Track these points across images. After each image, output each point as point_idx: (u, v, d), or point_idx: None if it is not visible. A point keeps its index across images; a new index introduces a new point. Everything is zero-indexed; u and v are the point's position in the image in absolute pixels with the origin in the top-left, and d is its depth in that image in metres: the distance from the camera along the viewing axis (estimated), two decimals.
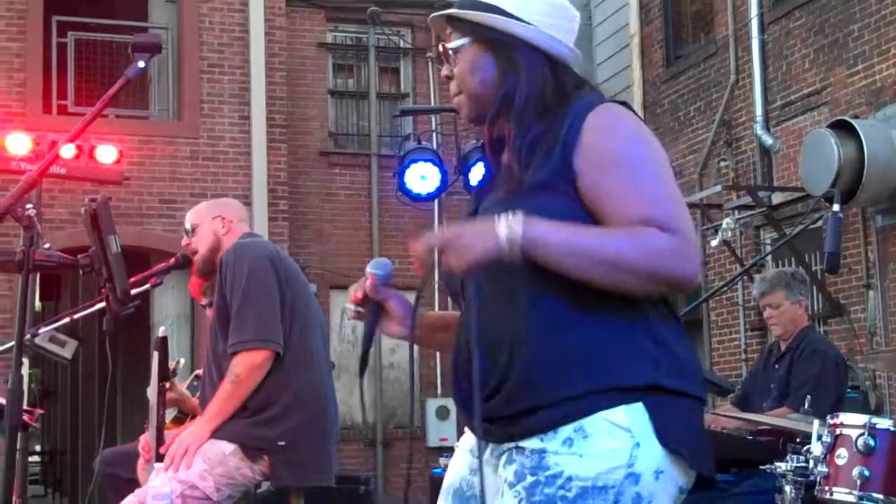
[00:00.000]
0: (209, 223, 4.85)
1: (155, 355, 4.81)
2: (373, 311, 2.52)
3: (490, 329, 2.30)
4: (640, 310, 2.26)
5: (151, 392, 4.82)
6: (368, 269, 2.52)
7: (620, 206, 2.23)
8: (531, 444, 2.25)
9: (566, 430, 2.22)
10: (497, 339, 2.30)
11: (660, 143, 2.36)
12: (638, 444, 2.20)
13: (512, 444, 2.29)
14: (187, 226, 4.90)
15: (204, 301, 5.74)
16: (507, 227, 2.17)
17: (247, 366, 4.46)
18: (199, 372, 5.76)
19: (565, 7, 2.45)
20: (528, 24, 2.39)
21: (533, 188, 2.30)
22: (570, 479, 2.20)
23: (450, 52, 2.46)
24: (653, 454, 2.21)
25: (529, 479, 2.24)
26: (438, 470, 7.92)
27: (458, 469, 2.50)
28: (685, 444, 2.24)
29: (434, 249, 2.24)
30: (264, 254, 4.64)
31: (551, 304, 2.26)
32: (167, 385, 5.04)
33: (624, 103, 2.40)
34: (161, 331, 4.89)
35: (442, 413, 14.34)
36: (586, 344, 2.24)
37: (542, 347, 2.26)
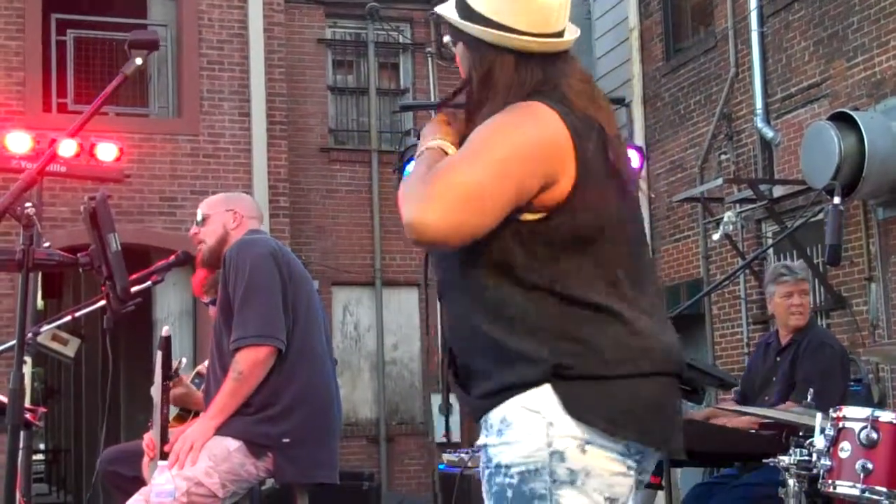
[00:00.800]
0: (221, 215, 4.85)
1: (158, 354, 4.81)
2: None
3: (449, 338, 2.52)
4: (547, 305, 2.33)
5: (155, 391, 4.82)
6: None
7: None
8: (481, 440, 2.41)
9: (496, 423, 2.35)
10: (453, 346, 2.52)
11: (538, 137, 2.33)
12: (551, 423, 2.29)
13: (477, 443, 2.47)
14: (199, 216, 4.89)
15: (206, 299, 5.73)
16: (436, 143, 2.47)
17: (249, 362, 4.46)
18: (201, 369, 5.75)
19: None
20: (487, 19, 2.42)
21: None
22: (508, 466, 2.32)
23: (450, 45, 2.57)
24: (568, 430, 2.29)
25: (486, 472, 2.39)
26: (443, 466, 7.92)
27: None
28: (599, 414, 2.29)
29: None
30: (267, 250, 4.64)
31: (466, 310, 2.40)
32: (171, 383, 5.03)
33: (544, 101, 2.39)
34: (165, 330, 4.89)
35: (445, 409, 14.33)
36: (495, 345, 2.35)
37: (463, 352, 2.45)
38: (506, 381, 2.33)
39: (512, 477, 2.31)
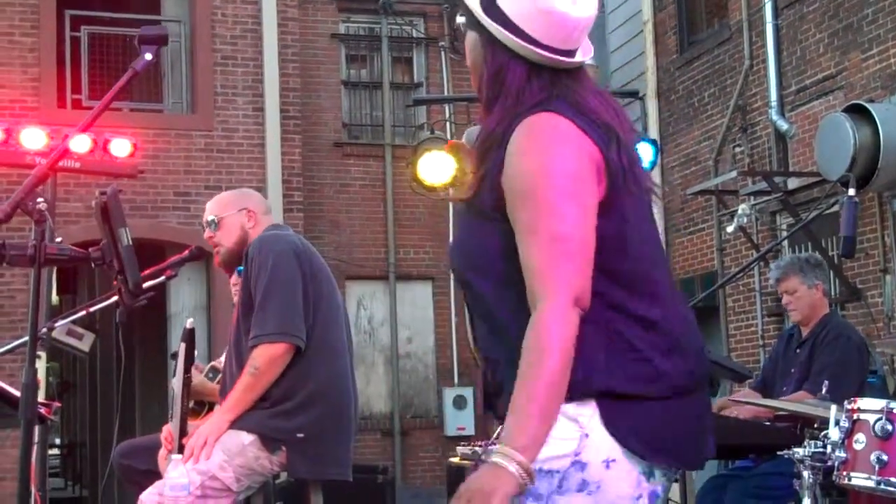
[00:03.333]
0: (235, 216, 4.83)
1: (182, 346, 4.81)
2: None
3: (479, 344, 2.52)
4: (601, 319, 2.31)
5: (176, 383, 4.82)
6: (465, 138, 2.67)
7: (521, 251, 2.30)
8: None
9: None
10: (483, 353, 2.51)
11: (576, 152, 2.32)
12: (587, 435, 2.29)
13: None
14: (210, 218, 4.86)
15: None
16: (513, 464, 2.18)
17: (267, 358, 4.47)
18: (216, 363, 5.76)
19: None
20: (508, 20, 2.39)
21: (475, 214, 2.42)
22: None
23: (461, 28, 2.53)
24: (602, 445, 2.29)
25: None
26: (456, 459, 7.91)
27: None
28: (637, 438, 2.29)
29: None
30: (289, 247, 4.64)
31: (508, 320, 2.36)
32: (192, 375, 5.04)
33: (555, 110, 2.37)
34: (189, 322, 4.89)
35: (459, 402, 14.35)
36: None
37: (509, 365, 2.34)
38: None
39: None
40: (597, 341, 2.30)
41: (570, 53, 2.42)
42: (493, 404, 2.47)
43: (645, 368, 2.32)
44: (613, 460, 2.29)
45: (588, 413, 2.29)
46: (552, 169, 2.29)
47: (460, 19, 2.51)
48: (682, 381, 2.35)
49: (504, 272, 2.34)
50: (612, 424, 2.29)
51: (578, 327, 2.24)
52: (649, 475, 2.34)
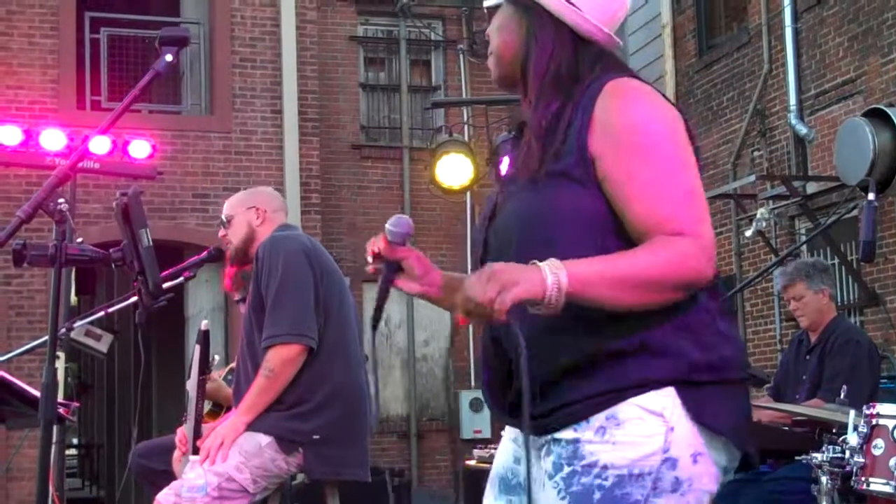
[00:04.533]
0: (244, 214, 4.86)
1: (196, 349, 4.82)
2: (388, 268, 2.46)
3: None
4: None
5: (191, 385, 4.83)
6: (386, 227, 2.46)
7: (639, 205, 2.20)
8: (566, 434, 2.24)
9: (598, 419, 2.20)
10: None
11: (676, 115, 2.29)
12: (672, 429, 2.19)
13: (549, 436, 2.28)
14: (223, 217, 4.91)
15: (237, 296, 5.75)
16: (553, 275, 2.10)
17: (280, 360, 4.47)
18: (234, 365, 5.78)
19: None
20: None
21: (549, 177, 2.28)
22: (605, 467, 2.18)
23: (487, 10, 2.48)
24: (688, 437, 2.20)
25: (566, 469, 2.22)
26: (472, 462, 7.92)
27: (503, 458, 2.50)
28: (723, 423, 2.22)
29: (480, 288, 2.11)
30: (300, 247, 4.64)
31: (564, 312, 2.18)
32: (207, 377, 5.05)
33: (638, 78, 2.35)
34: (203, 324, 4.90)
35: (475, 405, 14.35)
36: (609, 346, 2.21)
37: (565, 351, 2.24)
38: (618, 382, 2.20)
39: (606, 479, 2.18)
40: (665, 335, 2.21)
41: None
42: (501, 397, 2.37)
43: (718, 354, 2.24)
44: (700, 454, 2.20)
45: (670, 404, 2.19)
46: (669, 124, 2.25)
47: (493, 0, 2.46)
48: (742, 368, 2.30)
49: (585, 239, 2.23)
50: (700, 413, 2.20)
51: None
52: (726, 470, 2.27)
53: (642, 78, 2.37)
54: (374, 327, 2.51)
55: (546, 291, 2.10)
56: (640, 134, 2.22)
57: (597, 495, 2.18)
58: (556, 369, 2.25)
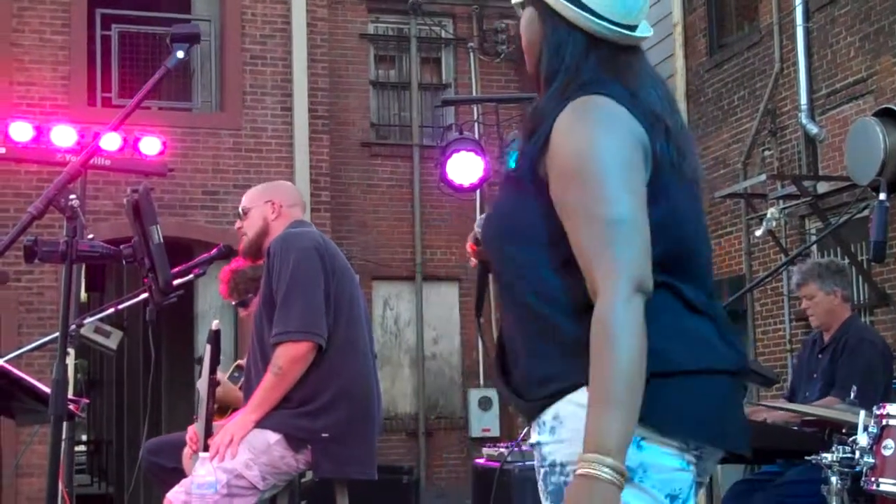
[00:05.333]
0: (260, 208, 4.86)
1: (207, 348, 4.83)
2: (481, 268, 2.65)
3: (504, 335, 2.48)
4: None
5: (202, 383, 4.83)
6: (475, 227, 2.63)
7: (573, 241, 2.24)
8: (534, 437, 2.34)
9: (548, 420, 2.29)
10: (507, 344, 2.47)
11: (626, 136, 2.28)
12: None
13: (530, 441, 2.40)
14: (240, 208, 4.92)
15: (233, 301, 5.76)
16: (605, 471, 2.08)
17: (289, 357, 4.47)
18: (241, 362, 5.78)
19: None
20: None
21: (514, 180, 2.39)
22: (563, 465, 2.26)
23: (518, 7, 2.50)
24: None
25: (541, 471, 2.32)
26: (481, 461, 7.92)
27: None
28: (652, 412, 2.19)
29: None
30: (311, 244, 4.64)
31: (524, 309, 2.33)
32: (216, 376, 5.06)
33: (606, 93, 2.34)
34: (214, 324, 4.90)
35: (484, 404, 14.35)
36: (550, 341, 2.30)
37: (523, 352, 2.36)
38: (560, 384, 2.27)
39: (568, 476, 2.21)
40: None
41: (631, 28, 2.42)
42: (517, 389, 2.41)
43: (658, 348, 2.22)
44: (643, 438, 2.21)
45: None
46: (603, 151, 2.25)
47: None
48: (727, 365, 2.30)
49: (547, 244, 2.29)
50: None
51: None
52: (684, 448, 2.26)
53: (629, 83, 2.37)
54: (478, 316, 2.91)
55: (620, 488, 2.10)
56: (577, 160, 2.25)
57: (565, 492, 2.19)
58: (524, 377, 2.38)
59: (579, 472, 2.10)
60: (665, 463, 2.24)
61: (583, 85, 2.34)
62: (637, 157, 2.27)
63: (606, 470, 2.08)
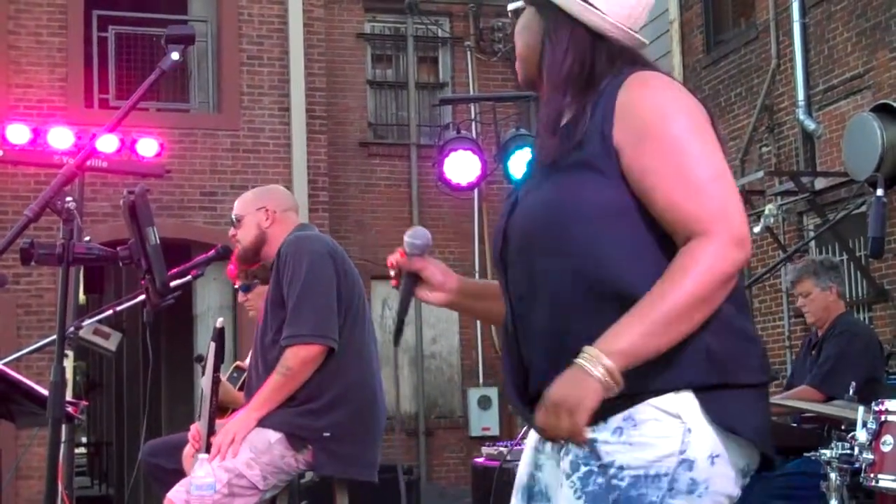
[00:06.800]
0: (252, 215, 4.86)
1: (211, 346, 4.82)
2: (408, 279, 2.52)
3: (532, 330, 2.33)
4: None
5: (206, 382, 4.83)
6: (405, 238, 2.55)
7: (661, 198, 2.19)
8: (588, 433, 2.20)
9: (615, 420, 2.19)
10: (539, 340, 2.32)
11: (698, 106, 2.29)
12: (689, 430, 2.18)
13: None
14: (233, 216, 4.91)
15: (237, 283, 5.74)
16: (601, 371, 2.09)
17: (300, 359, 4.47)
18: (240, 363, 5.78)
19: None
20: None
21: (571, 168, 2.27)
22: (621, 468, 2.18)
23: (512, 13, 2.49)
24: (706, 438, 2.18)
25: (583, 469, 2.22)
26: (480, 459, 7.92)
27: (525, 466, 2.49)
28: (745, 425, 2.20)
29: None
30: (324, 248, 4.65)
31: (586, 303, 2.22)
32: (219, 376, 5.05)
33: (660, 71, 2.34)
34: (219, 322, 4.90)
35: (484, 403, 14.35)
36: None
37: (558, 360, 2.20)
38: (635, 386, 2.15)
39: (622, 479, 2.17)
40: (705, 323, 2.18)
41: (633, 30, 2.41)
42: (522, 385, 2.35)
43: (738, 356, 2.22)
44: (718, 455, 2.19)
45: (688, 406, 2.18)
46: (690, 114, 2.24)
47: (516, 4, 2.47)
48: (763, 370, 2.28)
49: (605, 229, 2.22)
50: (718, 415, 2.18)
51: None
52: (745, 473, 2.25)
53: (664, 71, 2.37)
54: (396, 342, 2.59)
55: (606, 390, 2.10)
56: (660, 125, 2.22)
57: (612, 495, 2.17)
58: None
59: (577, 360, 2.11)
60: (723, 488, 2.22)
61: (617, 70, 2.33)
62: (708, 125, 2.27)
63: (601, 369, 2.08)
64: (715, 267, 2.12)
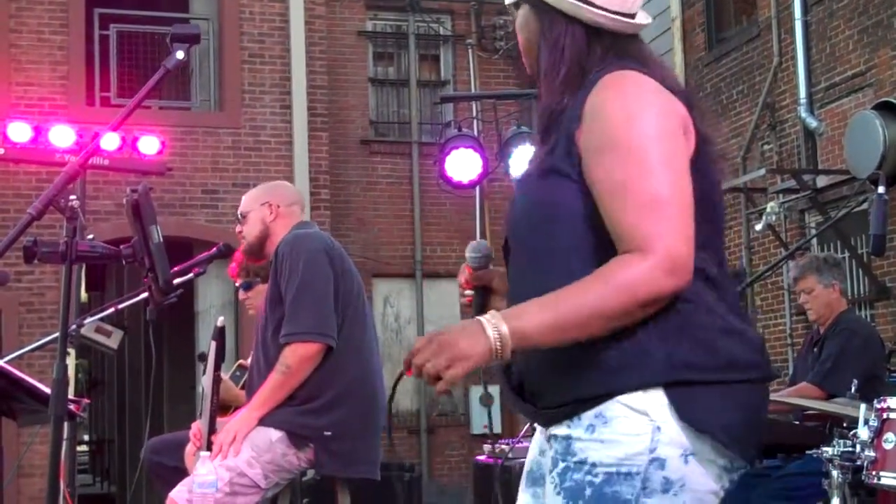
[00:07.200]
0: (257, 211, 4.87)
1: (212, 345, 4.82)
2: (479, 293, 2.57)
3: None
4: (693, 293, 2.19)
5: (206, 380, 4.83)
6: (467, 254, 2.58)
7: (608, 207, 2.18)
8: (561, 430, 2.25)
9: (588, 416, 2.20)
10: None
11: (671, 111, 2.23)
12: (658, 428, 2.16)
13: (549, 432, 2.31)
14: (239, 213, 4.93)
15: (239, 282, 5.75)
16: (494, 329, 2.12)
17: (299, 357, 4.47)
18: (243, 361, 5.78)
19: None
20: None
21: (545, 171, 2.28)
22: (594, 465, 2.19)
23: (509, 7, 2.48)
24: (676, 437, 2.16)
25: (561, 465, 2.24)
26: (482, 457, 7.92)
27: (532, 452, 2.51)
28: (710, 421, 2.17)
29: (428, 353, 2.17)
30: (322, 246, 4.66)
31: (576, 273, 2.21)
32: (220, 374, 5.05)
33: (644, 67, 2.30)
34: (220, 321, 4.90)
35: (485, 400, 14.35)
36: (598, 352, 2.19)
37: (553, 353, 2.22)
38: (607, 385, 2.18)
39: (596, 476, 2.18)
40: (661, 328, 2.17)
41: (630, 16, 2.38)
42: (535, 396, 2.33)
43: (719, 353, 2.20)
44: (692, 454, 2.17)
45: (656, 403, 2.16)
46: (644, 122, 2.18)
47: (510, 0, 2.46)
48: (752, 366, 2.25)
49: (576, 231, 2.23)
50: (687, 413, 2.16)
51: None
52: (729, 469, 2.23)
53: (650, 66, 2.32)
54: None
55: (491, 357, 2.13)
56: (621, 133, 2.18)
57: (587, 492, 2.18)
58: (551, 372, 2.27)
59: (480, 317, 2.15)
60: (702, 485, 2.20)
61: (603, 66, 2.30)
62: (677, 129, 2.22)
63: (495, 332, 2.12)
64: (635, 288, 2.11)
